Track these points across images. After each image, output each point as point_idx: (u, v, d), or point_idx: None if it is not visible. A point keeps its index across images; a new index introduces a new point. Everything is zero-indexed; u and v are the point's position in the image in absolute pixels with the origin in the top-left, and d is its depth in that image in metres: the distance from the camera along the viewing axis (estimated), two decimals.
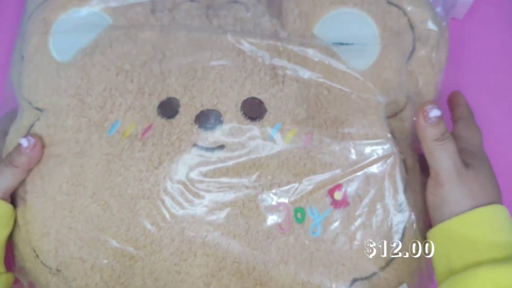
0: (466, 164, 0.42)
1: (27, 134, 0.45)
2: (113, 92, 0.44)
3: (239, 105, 0.43)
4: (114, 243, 0.42)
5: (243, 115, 0.43)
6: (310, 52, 0.44)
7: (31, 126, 0.46)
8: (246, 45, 0.45)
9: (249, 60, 0.44)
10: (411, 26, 0.46)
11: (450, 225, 0.41)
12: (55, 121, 0.45)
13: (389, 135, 0.44)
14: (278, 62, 0.44)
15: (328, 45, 0.45)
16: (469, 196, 0.41)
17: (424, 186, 0.43)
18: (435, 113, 0.42)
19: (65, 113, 0.45)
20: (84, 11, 0.47)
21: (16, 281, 0.47)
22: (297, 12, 0.47)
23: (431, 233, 0.42)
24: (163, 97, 0.44)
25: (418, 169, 0.45)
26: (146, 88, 0.44)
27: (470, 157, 0.43)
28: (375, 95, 0.44)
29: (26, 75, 0.47)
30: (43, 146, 0.45)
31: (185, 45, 0.45)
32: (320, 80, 0.44)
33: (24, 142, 0.44)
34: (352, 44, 0.45)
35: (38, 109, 0.46)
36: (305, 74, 0.44)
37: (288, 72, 0.44)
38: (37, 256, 0.44)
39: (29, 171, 0.45)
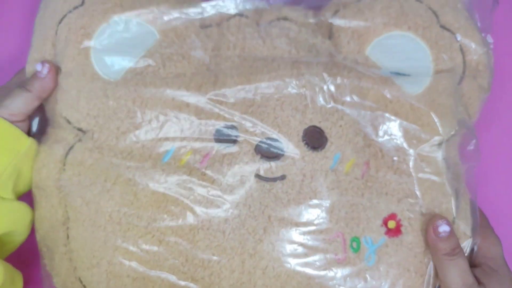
0: (479, 283, 0.41)
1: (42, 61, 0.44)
2: (168, 117, 0.42)
3: (301, 134, 0.43)
4: (171, 277, 0.41)
5: (305, 145, 0.42)
6: (365, 79, 0.44)
7: (71, 148, 0.43)
8: (304, 70, 0.43)
9: (308, 86, 0.43)
10: (462, 51, 0.46)
11: None
12: (102, 144, 0.42)
13: (443, 165, 0.44)
14: (336, 88, 0.43)
15: (383, 75, 0.44)
16: None
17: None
18: (444, 228, 0.42)
19: (115, 137, 0.43)
20: (128, 22, 0.44)
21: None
22: (350, 33, 0.46)
23: None
24: (220, 124, 0.42)
25: (467, 193, 0.45)
26: (203, 114, 0.42)
27: (487, 274, 0.42)
28: (429, 122, 0.44)
29: (64, 90, 0.43)
30: (57, 74, 0.44)
31: (239, 66, 0.43)
32: (374, 107, 0.44)
33: (39, 66, 0.43)
34: (409, 75, 0.45)
35: (79, 129, 0.43)
36: (361, 101, 0.44)
37: (347, 98, 0.43)
38: (84, 286, 0.42)
39: (41, 99, 0.44)
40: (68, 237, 0.42)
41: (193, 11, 0.45)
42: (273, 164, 0.42)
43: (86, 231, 0.42)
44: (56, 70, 0.44)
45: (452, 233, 0.42)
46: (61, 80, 0.44)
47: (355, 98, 0.44)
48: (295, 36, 0.45)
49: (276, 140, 0.42)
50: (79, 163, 0.43)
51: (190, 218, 0.41)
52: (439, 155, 0.44)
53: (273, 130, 0.42)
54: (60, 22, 0.44)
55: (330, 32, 0.46)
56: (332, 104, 0.43)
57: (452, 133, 0.45)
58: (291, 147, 0.42)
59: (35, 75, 0.43)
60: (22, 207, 0.43)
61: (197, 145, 0.42)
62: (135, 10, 0.44)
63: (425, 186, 0.44)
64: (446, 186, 0.44)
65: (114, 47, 0.43)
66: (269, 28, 0.45)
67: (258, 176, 0.42)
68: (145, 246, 0.41)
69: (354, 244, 0.43)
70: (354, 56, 0.45)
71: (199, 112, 0.43)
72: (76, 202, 0.42)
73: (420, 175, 0.44)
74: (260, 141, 0.42)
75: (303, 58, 0.44)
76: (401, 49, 0.46)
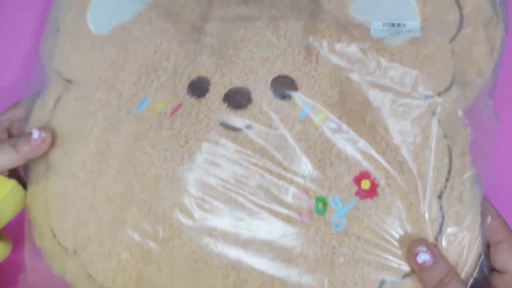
0: None
1: (41, 127, 0.44)
2: (148, 69, 0.44)
3: (269, 82, 0.42)
4: (133, 231, 0.41)
5: (273, 93, 0.41)
6: (345, 38, 0.42)
7: (58, 99, 0.46)
8: (281, 25, 0.43)
9: (282, 39, 0.43)
10: (457, 2, 0.42)
11: None
12: (84, 93, 0.45)
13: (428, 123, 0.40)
14: (312, 42, 0.42)
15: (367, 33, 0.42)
16: None
17: None
18: (423, 257, 0.37)
19: (95, 86, 0.45)
20: None
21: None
22: None
23: None
24: (194, 76, 0.43)
25: (467, 155, 0.41)
26: (179, 67, 0.43)
27: None
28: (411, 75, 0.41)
29: (60, 46, 0.47)
30: (52, 142, 0.44)
31: (219, 25, 0.45)
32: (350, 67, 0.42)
33: (35, 134, 0.43)
34: (393, 25, 0.42)
35: (67, 80, 0.46)
36: (338, 59, 0.42)
37: (322, 52, 0.42)
38: (55, 236, 0.43)
39: (27, 160, 0.44)
40: (46, 185, 0.44)
41: None
42: (239, 112, 0.41)
43: (61, 179, 0.43)
44: (52, 138, 0.44)
45: (437, 260, 0.36)
46: (59, 38, 0.47)
47: (332, 54, 0.42)
48: None
49: (244, 88, 0.42)
50: (62, 112, 0.45)
51: (154, 167, 0.41)
52: (422, 110, 0.40)
53: (241, 79, 0.42)
54: None
55: None
56: (306, 56, 0.42)
57: (441, 89, 0.41)
58: (258, 96, 0.41)
59: (28, 139, 0.43)
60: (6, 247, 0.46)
61: (171, 96, 0.43)
62: None
63: (406, 142, 0.40)
64: (431, 147, 0.40)
65: (109, 8, 0.47)
66: None
67: (223, 124, 0.41)
68: (112, 194, 0.41)
69: (320, 205, 0.39)
70: (336, 14, 0.44)
71: (177, 66, 0.44)
72: (56, 151, 0.44)
73: (398, 128, 0.40)
74: (228, 90, 0.42)
75: (284, 16, 0.44)
76: (385, 2, 0.43)
